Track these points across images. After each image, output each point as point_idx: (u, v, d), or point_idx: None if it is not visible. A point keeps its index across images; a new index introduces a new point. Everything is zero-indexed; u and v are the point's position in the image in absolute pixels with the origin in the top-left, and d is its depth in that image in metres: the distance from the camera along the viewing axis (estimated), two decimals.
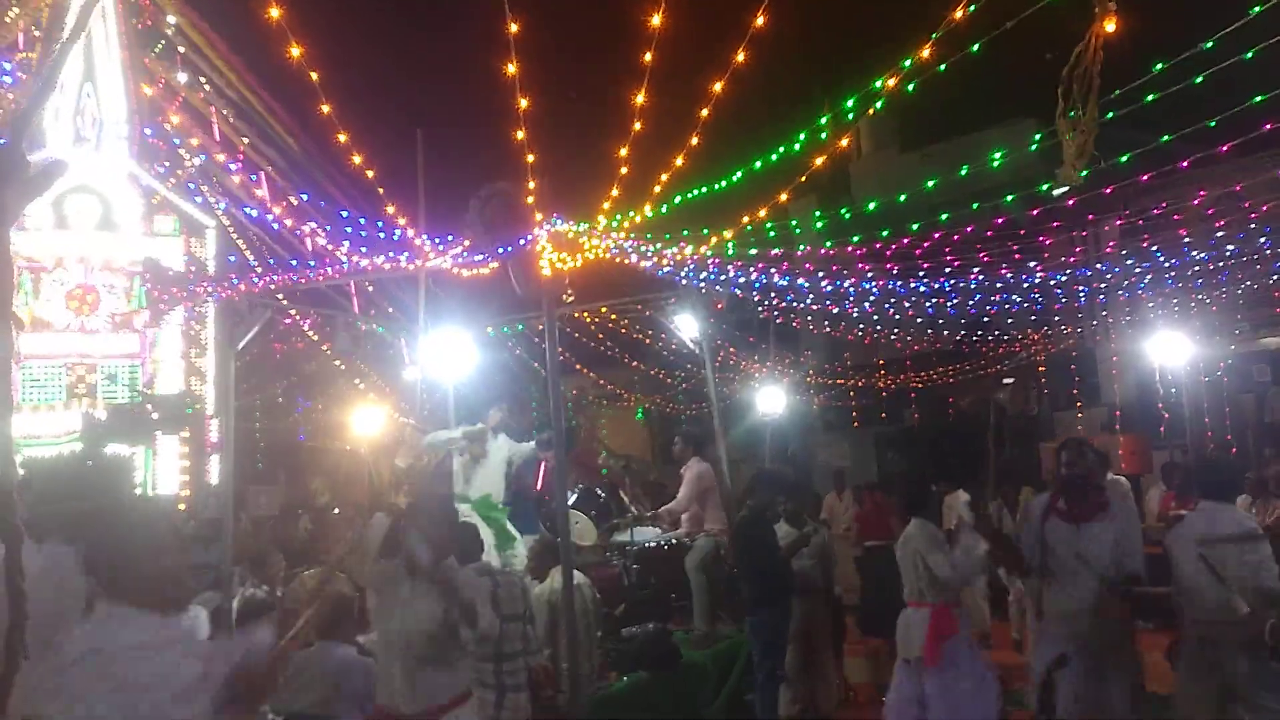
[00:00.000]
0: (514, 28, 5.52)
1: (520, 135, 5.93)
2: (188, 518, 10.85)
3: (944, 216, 8.75)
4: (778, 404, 11.82)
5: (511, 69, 5.59)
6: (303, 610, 5.24)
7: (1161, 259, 10.84)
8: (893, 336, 15.86)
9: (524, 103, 5.72)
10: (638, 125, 5.92)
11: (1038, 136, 8.27)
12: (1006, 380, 17.05)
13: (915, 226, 8.77)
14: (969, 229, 9.35)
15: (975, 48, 5.80)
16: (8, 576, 2.38)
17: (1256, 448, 13.66)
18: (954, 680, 5.96)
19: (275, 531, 11.88)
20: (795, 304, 11.97)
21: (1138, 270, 11.46)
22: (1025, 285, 11.29)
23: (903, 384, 17.66)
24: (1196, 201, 9.50)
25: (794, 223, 8.86)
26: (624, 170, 6.34)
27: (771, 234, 8.11)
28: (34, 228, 10.71)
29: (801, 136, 6.82)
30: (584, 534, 9.36)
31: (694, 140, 6.30)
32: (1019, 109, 17.06)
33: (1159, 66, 5.80)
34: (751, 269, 9.28)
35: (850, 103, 6.44)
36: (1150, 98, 5.76)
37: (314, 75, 5.91)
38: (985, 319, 14.96)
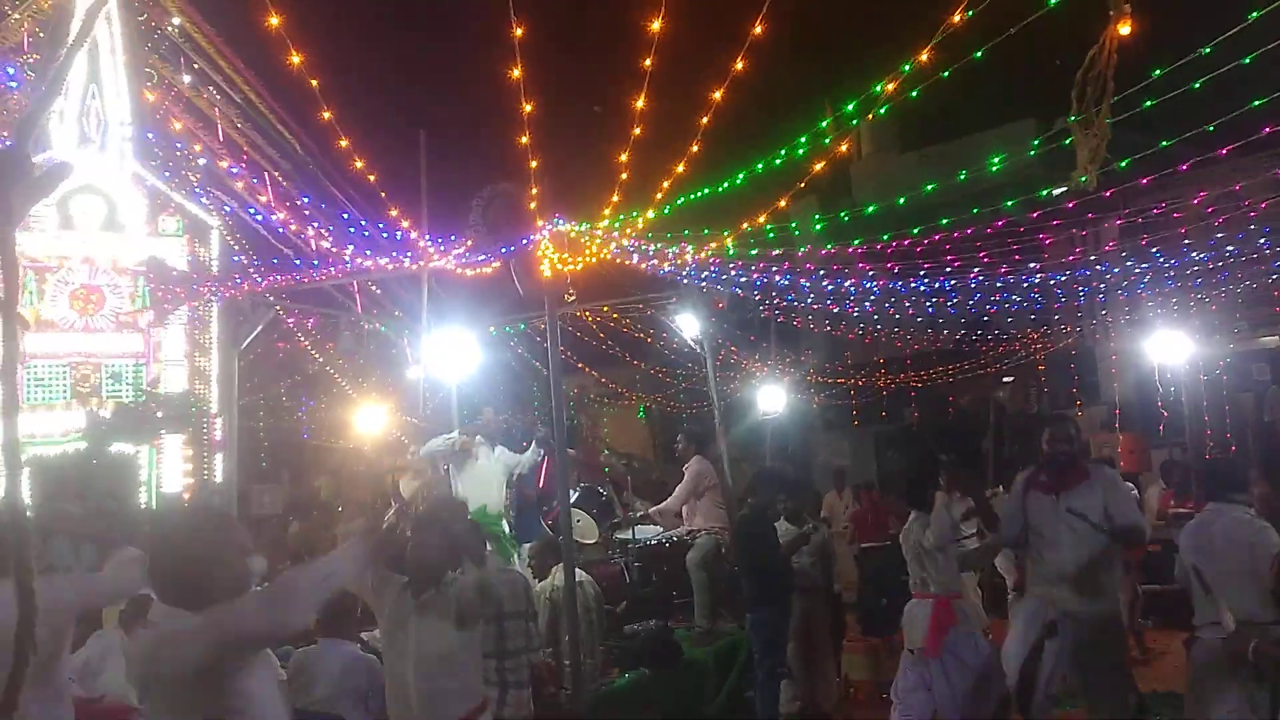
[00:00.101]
0: (519, 31, 5.57)
1: (524, 139, 5.98)
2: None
3: (945, 221, 8.80)
4: (778, 403, 11.87)
5: (516, 73, 5.64)
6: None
7: (1161, 259, 10.88)
8: (893, 336, 15.90)
9: (528, 107, 5.77)
10: (637, 130, 5.97)
11: (1036, 141, 8.33)
12: (1006, 379, 17.08)
13: (916, 231, 8.81)
14: (969, 229, 9.39)
15: (979, 54, 5.86)
16: (17, 574, 2.40)
17: (1256, 447, 13.70)
18: (957, 670, 6.02)
19: (277, 530, 11.97)
20: (796, 303, 12.02)
21: (1137, 270, 11.50)
22: (1025, 284, 11.34)
23: (903, 383, 17.70)
24: (1196, 201, 9.53)
25: (793, 225, 8.91)
26: (624, 176, 6.38)
27: (771, 235, 8.16)
28: (39, 228, 10.76)
29: (802, 140, 6.86)
30: (586, 532, 9.43)
31: (695, 148, 6.34)
32: (1019, 110, 17.10)
33: (1157, 72, 5.85)
34: (752, 268, 9.33)
35: (851, 107, 6.49)
36: (1149, 103, 5.81)
37: (314, 82, 5.95)
38: (985, 318, 15.01)
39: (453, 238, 8.46)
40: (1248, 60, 5.61)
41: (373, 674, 5.19)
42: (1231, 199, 9.83)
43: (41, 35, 10.64)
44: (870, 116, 6.57)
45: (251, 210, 11.26)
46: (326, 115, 6.41)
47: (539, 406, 14.50)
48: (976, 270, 10.28)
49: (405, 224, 8.30)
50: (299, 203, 10.35)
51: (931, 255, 9.74)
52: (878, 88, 5.98)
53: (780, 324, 14.43)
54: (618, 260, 8.00)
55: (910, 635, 6.42)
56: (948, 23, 5.39)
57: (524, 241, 6.94)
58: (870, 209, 8.52)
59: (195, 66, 11.36)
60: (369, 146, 7.57)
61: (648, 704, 7.10)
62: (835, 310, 12.86)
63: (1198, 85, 5.77)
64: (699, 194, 7.16)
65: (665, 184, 6.80)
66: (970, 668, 6.00)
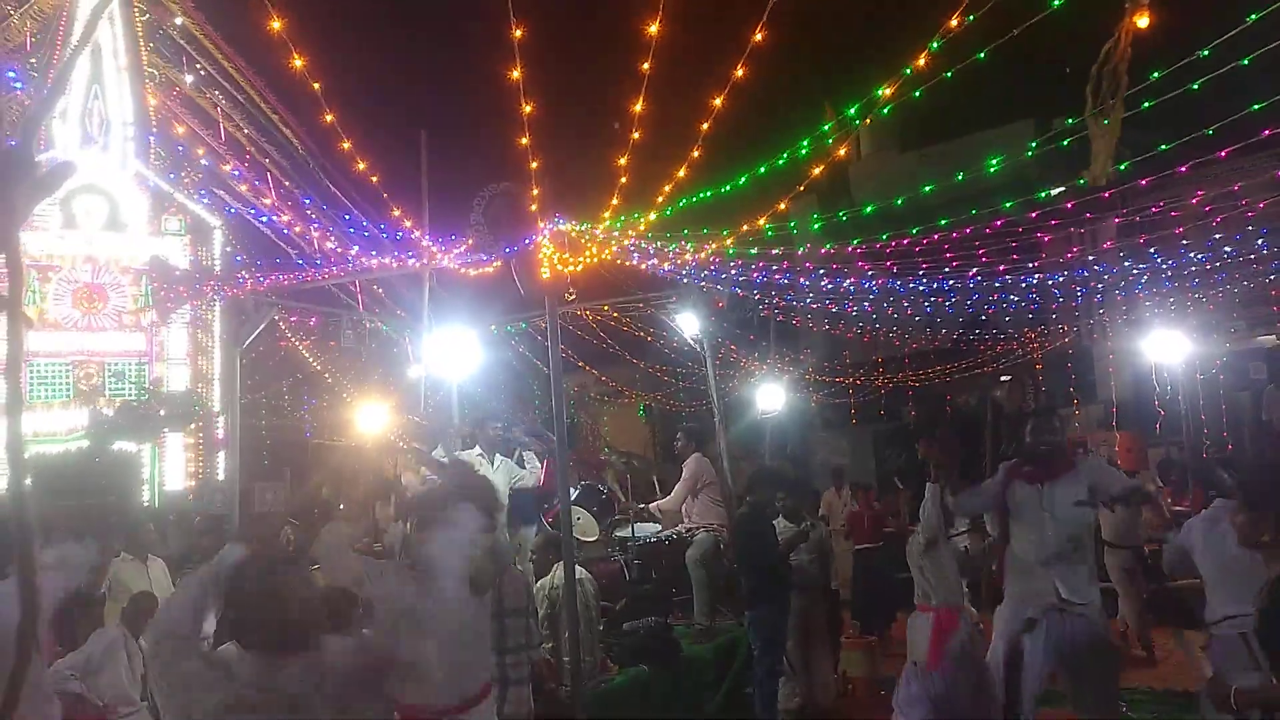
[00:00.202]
0: (518, 33, 5.61)
1: (524, 140, 6.02)
2: (195, 513, 10.97)
3: (943, 221, 8.84)
4: (777, 401, 11.91)
5: (516, 74, 5.68)
6: None
7: (1159, 258, 10.92)
8: (891, 335, 15.95)
9: (528, 108, 5.81)
10: (636, 135, 6.01)
11: (1034, 143, 8.37)
12: (1004, 378, 17.14)
13: (915, 231, 8.85)
14: (968, 229, 9.44)
15: (982, 55, 5.89)
16: (20, 571, 2.42)
17: (1253, 445, 13.76)
18: (958, 683, 6.05)
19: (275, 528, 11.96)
20: (795, 302, 12.07)
21: (1135, 270, 11.54)
22: (1023, 284, 11.39)
23: (901, 382, 17.76)
24: (1194, 201, 9.57)
25: (793, 224, 8.96)
26: (623, 180, 6.43)
27: (771, 234, 8.21)
28: (42, 227, 10.81)
29: (803, 142, 6.90)
30: (586, 529, 9.47)
31: (695, 153, 6.38)
32: (1018, 110, 17.14)
33: (1155, 75, 5.89)
34: (752, 268, 9.37)
35: (853, 111, 6.52)
36: (1147, 104, 5.84)
37: (316, 85, 5.99)
38: (983, 317, 15.07)
39: (453, 237, 8.50)
40: (1245, 62, 5.64)
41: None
42: (1230, 199, 9.87)
43: (44, 36, 10.69)
44: (868, 121, 6.61)
45: (253, 211, 11.30)
46: (329, 117, 6.45)
47: (540, 405, 14.56)
48: (975, 270, 10.33)
49: (408, 225, 8.33)
50: (301, 202, 10.39)
51: (930, 255, 9.79)
52: (879, 91, 6.02)
53: (779, 323, 14.47)
54: (618, 260, 8.05)
55: (912, 647, 6.48)
56: (946, 25, 5.44)
57: (526, 242, 6.99)
58: (869, 208, 8.56)
59: (198, 66, 11.40)
60: (370, 146, 7.61)
61: (647, 701, 7.15)
62: (834, 309, 12.91)
63: (1196, 86, 5.80)
64: (699, 196, 7.21)
65: (666, 187, 6.84)
66: (971, 681, 6.02)
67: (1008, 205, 8.59)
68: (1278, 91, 6.13)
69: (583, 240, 7.23)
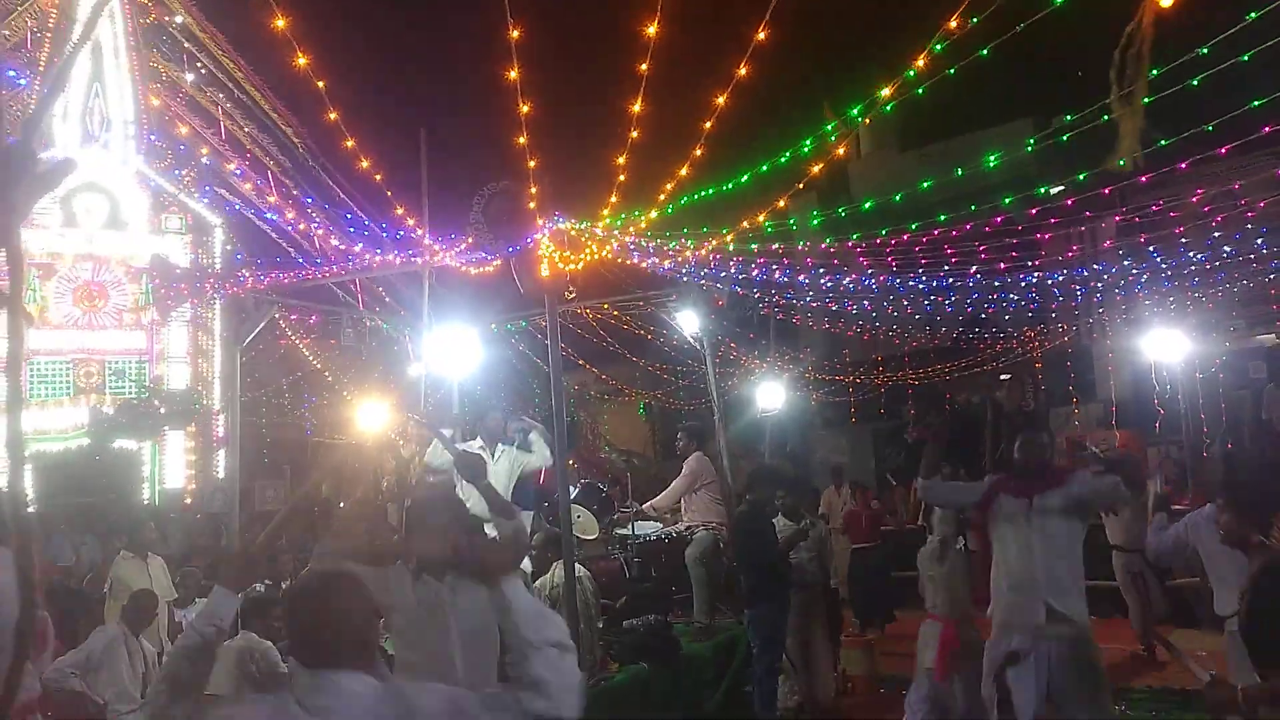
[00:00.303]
0: (515, 34, 5.62)
1: (522, 140, 6.04)
2: (195, 511, 11.00)
3: (942, 217, 8.85)
4: (777, 400, 11.92)
5: (513, 74, 5.69)
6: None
7: (1158, 257, 10.92)
8: (891, 333, 15.97)
9: (525, 108, 5.82)
10: (635, 134, 6.02)
11: (1031, 140, 8.38)
12: (1004, 377, 17.16)
13: (915, 226, 8.86)
14: (968, 225, 9.45)
15: (984, 52, 5.89)
16: (19, 567, 2.44)
17: (1253, 444, 13.76)
18: (965, 692, 6.06)
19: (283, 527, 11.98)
20: (795, 301, 12.08)
21: (1135, 269, 11.55)
22: (1023, 283, 11.40)
23: (901, 380, 17.77)
24: (1194, 199, 9.58)
25: (792, 221, 8.96)
26: (622, 178, 6.44)
27: (770, 231, 8.22)
28: (43, 225, 10.84)
29: (803, 141, 6.91)
30: (586, 528, 9.48)
31: (698, 151, 6.39)
32: (1018, 110, 17.14)
33: (1155, 72, 5.89)
34: (752, 266, 9.38)
35: (856, 111, 6.53)
36: (1147, 100, 5.84)
37: (320, 84, 6.00)
38: (983, 316, 15.08)
39: (452, 236, 8.51)
40: (1246, 58, 5.63)
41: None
42: (1230, 198, 9.88)
43: (44, 34, 10.71)
44: (867, 121, 6.61)
45: (254, 209, 11.33)
46: (333, 115, 6.45)
47: (540, 403, 14.57)
48: (974, 268, 10.34)
49: (411, 223, 8.34)
50: (301, 200, 10.41)
51: (930, 253, 9.80)
52: (880, 91, 6.03)
53: (779, 321, 14.49)
54: (618, 258, 8.06)
55: (921, 654, 6.52)
56: (945, 25, 5.45)
57: (527, 240, 7.00)
58: (868, 203, 8.56)
59: (199, 65, 11.43)
60: (370, 145, 7.62)
61: (646, 699, 7.15)
62: (834, 308, 12.92)
63: (1195, 82, 5.78)
64: (699, 195, 7.22)
65: (668, 185, 6.85)
66: (975, 692, 6.01)
67: (1007, 201, 8.60)
68: (1278, 89, 6.11)
69: (582, 238, 7.23)
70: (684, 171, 6.60)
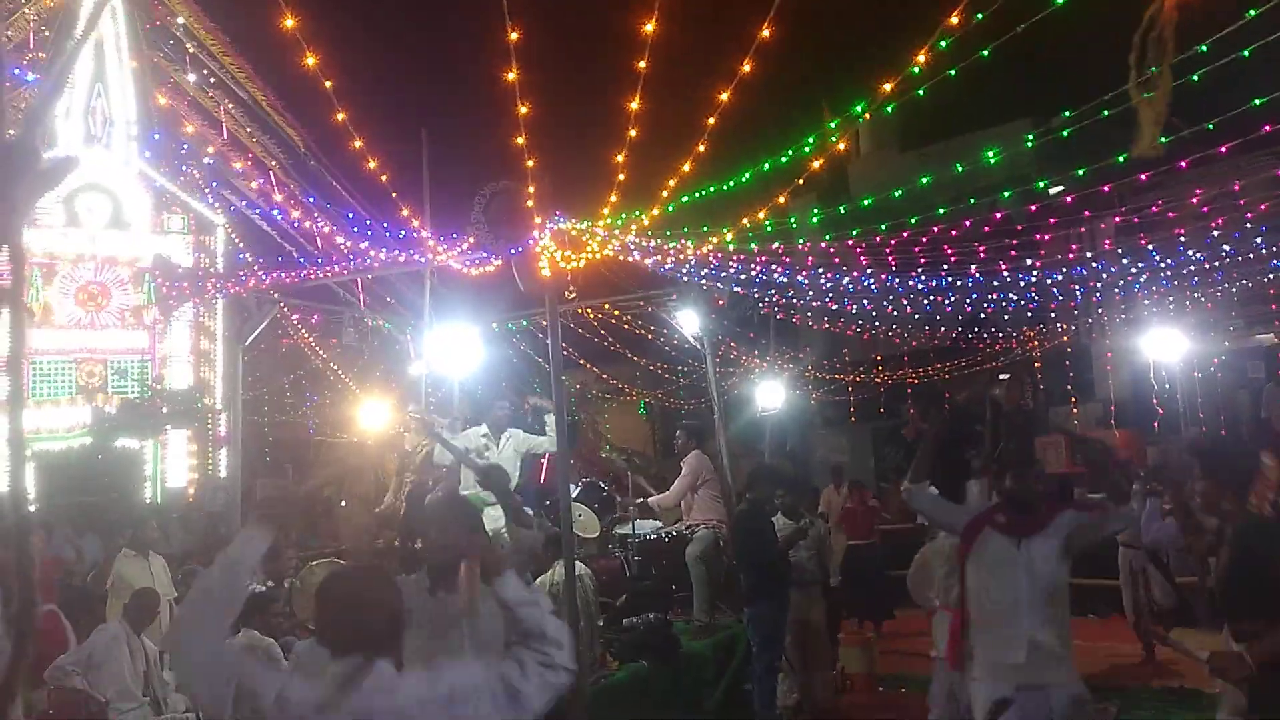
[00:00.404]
0: (514, 35, 5.64)
1: (520, 140, 6.06)
2: (197, 510, 11.02)
3: (941, 211, 8.87)
4: (777, 399, 11.96)
5: (512, 76, 5.72)
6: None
7: (1157, 257, 10.95)
8: (891, 333, 15.99)
9: (524, 109, 5.85)
10: (633, 132, 6.05)
11: (1030, 136, 8.40)
12: (1002, 376, 17.17)
13: (913, 220, 8.87)
14: (967, 222, 9.47)
15: (985, 53, 5.90)
16: (18, 565, 2.45)
17: (1252, 442, 13.77)
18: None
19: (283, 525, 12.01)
20: (795, 300, 12.11)
21: (1134, 269, 11.57)
22: (1022, 282, 11.42)
23: (900, 380, 17.80)
24: (1194, 200, 9.60)
25: (792, 220, 8.99)
26: (621, 176, 6.47)
27: (770, 230, 8.24)
28: (45, 225, 10.87)
29: (802, 140, 6.93)
30: (587, 526, 9.52)
31: (700, 148, 6.41)
32: (1017, 110, 17.16)
33: (1154, 69, 5.89)
34: (752, 265, 9.41)
35: (859, 109, 6.55)
36: (1148, 94, 5.83)
37: (328, 83, 6.02)
38: (982, 315, 15.10)
39: (454, 235, 8.53)
40: (1246, 54, 5.62)
41: None
42: (1229, 198, 9.90)
43: (47, 33, 10.73)
44: (868, 116, 6.64)
45: (258, 207, 11.36)
46: (341, 116, 6.48)
47: (538, 389, 14.58)
48: (974, 267, 10.36)
49: (416, 224, 8.37)
50: (303, 200, 10.44)
51: (929, 252, 9.82)
52: (884, 88, 6.04)
53: (779, 321, 14.52)
54: (618, 257, 8.08)
55: (936, 643, 6.61)
56: (945, 24, 5.46)
57: (529, 240, 7.02)
58: (868, 201, 8.57)
59: (199, 64, 11.45)
60: (370, 145, 7.63)
61: (646, 696, 7.19)
62: (834, 307, 12.95)
63: (1196, 78, 5.77)
64: (699, 194, 7.24)
65: (671, 182, 6.87)
66: None
67: (1006, 195, 8.61)
68: (1277, 86, 6.11)
69: (583, 238, 7.26)
70: (687, 168, 6.61)
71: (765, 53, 5.75)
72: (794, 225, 9.24)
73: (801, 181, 7.27)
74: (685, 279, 9.32)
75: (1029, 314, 15.12)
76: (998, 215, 9.49)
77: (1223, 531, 4.33)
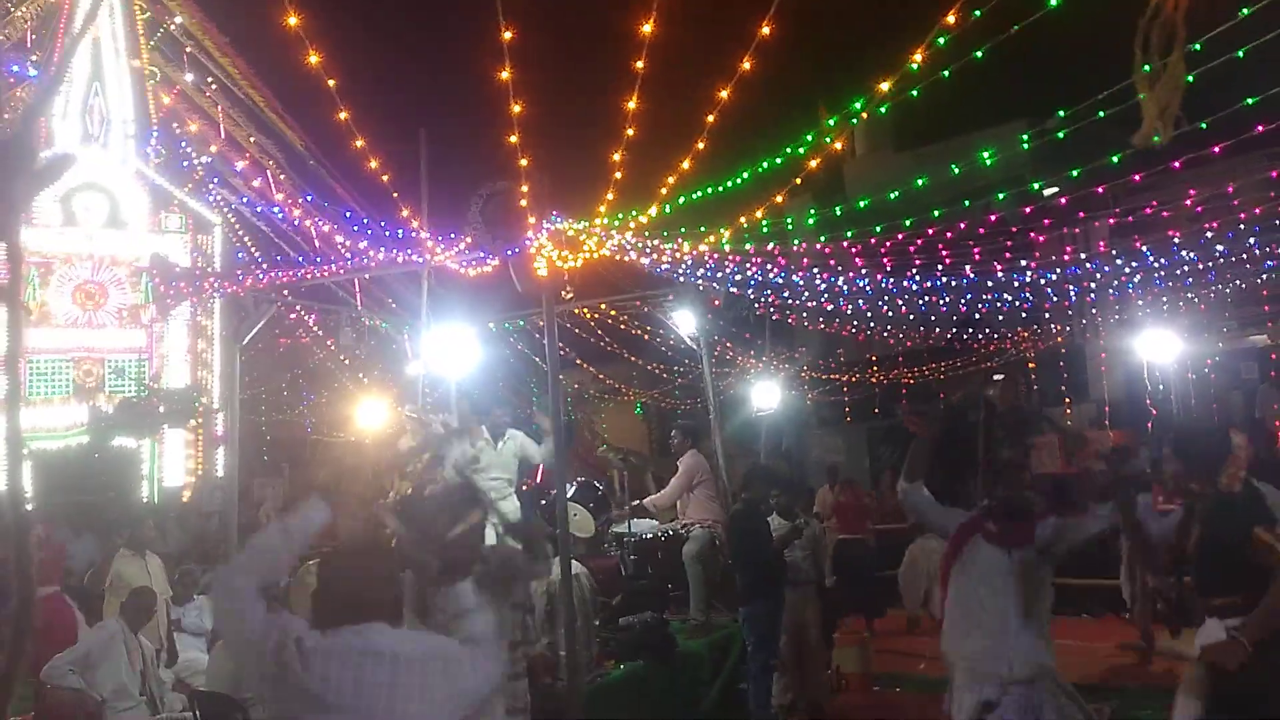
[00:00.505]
0: (508, 35, 5.66)
1: (514, 138, 6.08)
2: (194, 509, 11.03)
3: (937, 213, 8.89)
4: (772, 399, 11.97)
5: (505, 75, 5.74)
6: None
7: (1151, 258, 10.99)
8: (886, 333, 16.03)
9: (517, 108, 5.87)
10: (630, 131, 6.07)
11: (1025, 136, 8.43)
12: (997, 376, 17.22)
13: (909, 223, 8.90)
14: (962, 224, 9.50)
15: (979, 54, 5.92)
16: (17, 563, 2.47)
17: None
18: None
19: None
20: (790, 300, 12.13)
21: (1127, 270, 11.61)
22: (1016, 283, 11.46)
23: (895, 380, 17.83)
24: (1188, 201, 9.64)
25: (788, 219, 9.01)
26: (618, 175, 6.48)
27: (766, 230, 8.27)
28: (43, 224, 10.87)
29: (798, 139, 6.95)
30: (582, 526, 9.53)
31: (700, 145, 6.42)
32: (1013, 111, 17.20)
33: (1148, 68, 5.90)
34: (748, 265, 9.43)
35: (858, 106, 6.56)
36: (1142, 95, 5.84)
37: (331, 82, 6.04)
38: (976, 316, 15.15)
39: (452, 235, 8.55)
40: (1240, 54, 5.63)
41: None
42: (1222, 199, 9.93)
43: (44, 32, 10.74)
44: (864, 115, 6.66)
45: (255, 206, 11.37)
46: (343, 116, 6.49)
47: (538, 402, 14.60)
48: (968, 268, 10.39)
49: (415, 224, 8.38)
50: (301, 199, 10.45)
51: (924, 253, 9.85)
52: (883, 86, 6.06)
53: (775, 321, 14.54)
54: (615, 257, 8.10)
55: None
56: (941, 25, 5.49)
57: (525, 240, 7.04)
58: (863, 202, 8.60)
59: (197, 64, 11.46)
60: (368, 145, 7.64)
61: (642, 696, 7.20)
62: (829, 308, 12.97)
63: (1191, 79, 5.76)
64: (696, 194, 7.26)
65: (670, 179, 6.89)
66: None
67: (1001, 197, 8.64)
68: (1271, 87, 6.13)
69: (580, 238, 7.28)
70: (686, 165, 6.63)
71: (761, 52, 5.77)
72: (790, 226, 9.27)
73: (799, 181, 7.29)
74: (681, 279, 9.34)
75: (1023, 314, 15.16)
76: (992, 217, 9.53)
77: (1192, 512, 4.39)
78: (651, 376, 17.59)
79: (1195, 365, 14.25)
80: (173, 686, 7.24)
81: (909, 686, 9.20)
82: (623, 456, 10.41)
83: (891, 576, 11.99)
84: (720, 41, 6.35)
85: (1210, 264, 11.04)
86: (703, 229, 8.07)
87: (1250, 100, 6.36)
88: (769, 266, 9.61)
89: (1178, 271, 11.35)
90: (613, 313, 12.14)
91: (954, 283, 10.91)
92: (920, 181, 8.12)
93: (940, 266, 10.32)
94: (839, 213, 9.08)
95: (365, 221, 9.76)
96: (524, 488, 9.66)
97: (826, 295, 11.46)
